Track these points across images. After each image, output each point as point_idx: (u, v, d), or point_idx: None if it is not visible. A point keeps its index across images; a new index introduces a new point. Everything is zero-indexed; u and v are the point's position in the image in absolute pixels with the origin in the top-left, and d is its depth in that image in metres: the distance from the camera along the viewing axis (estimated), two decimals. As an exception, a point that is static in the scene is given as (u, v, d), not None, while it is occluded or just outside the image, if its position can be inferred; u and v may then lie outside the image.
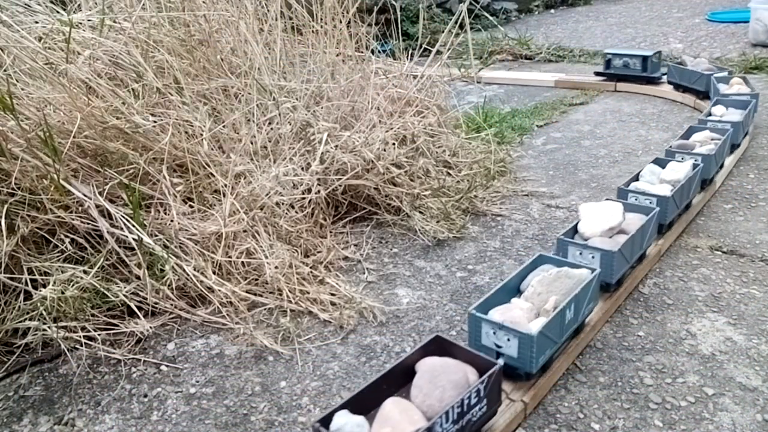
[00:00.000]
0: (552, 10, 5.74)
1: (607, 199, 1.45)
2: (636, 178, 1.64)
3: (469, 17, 2.04)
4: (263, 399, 1.12)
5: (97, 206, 1.35)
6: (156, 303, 1.34)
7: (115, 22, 1.71)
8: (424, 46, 2.05)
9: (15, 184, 1.30)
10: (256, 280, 1.42)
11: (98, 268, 1.30)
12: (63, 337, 1.23)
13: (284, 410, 1.09)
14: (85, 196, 1.35)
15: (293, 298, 1.38)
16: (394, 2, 2.53)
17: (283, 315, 1.34)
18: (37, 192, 1.33)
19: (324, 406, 1.09)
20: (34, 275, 1.29)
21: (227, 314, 1.33)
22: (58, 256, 1.34)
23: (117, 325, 1.29)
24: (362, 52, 2.07)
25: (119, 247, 1.34)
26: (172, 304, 1.35)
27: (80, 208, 1.36)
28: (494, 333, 1.05)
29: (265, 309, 1.37)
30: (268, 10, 1.91)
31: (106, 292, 1.29)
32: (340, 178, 1.67)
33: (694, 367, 1.14)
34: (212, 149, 1.59)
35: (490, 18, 4.13)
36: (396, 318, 1.34)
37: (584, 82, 3.10)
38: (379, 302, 1.38)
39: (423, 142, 1.86)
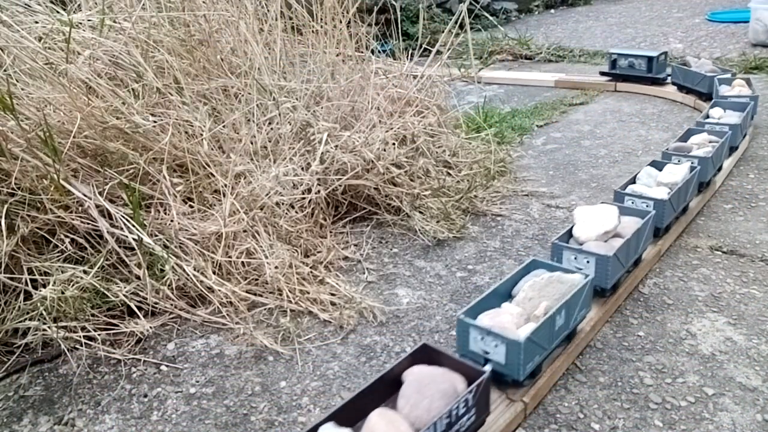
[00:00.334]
0: (552, 10, 5.74)
1: (602, 203, 1.44)
2: (633, 181, 1.62)
3: (469, 17, 2.04)
4: (263, 399, 1.12)
5: (97, 206, 1.35)
6: (156, 303, 1.34)
7: (115, 22, 1.71)
8: (424, 46, 2.05)
9: (15, 184, 1.30)
10: (256, 280, 1.42)
11: (98, 268, 1.30)
12: (63, 337, 1.23)
13: (284, 410, 1.09)
14: (85, 196, 1.35)
15: (293, 298, 1.38)
16: (394, 2, 2.53)
17: (283, 315, 1.34)
18: (37, 192, 1.33)
19: (324, 406, 1.09)
20: (34, 275, 1.29)
21: (227, 314, 1.33)
22: (58, 256, 1.34)
23: (117, 325, 1.29)
24: (362, 52, 2.07)
25: (119, 247, 1.34)
26: (172, 304, 1.35)
27: (80, 208, 1.36)
28: (482, 339, 1.02)
29: (265, 309, 1.37)
30: (268, 10, 1.91)
31: (106, 292, 1.29)
32: (340, 178, 1.67)
33: (694, 367, 1.14)
34: (212, 149, 1.59)
35: (490, 18, 4.13)
36: (396, 318, 1.34)
37: (584, 82, 3.10)
38: (379, 302, 1.38)
39: (423, 142, 1.86)
